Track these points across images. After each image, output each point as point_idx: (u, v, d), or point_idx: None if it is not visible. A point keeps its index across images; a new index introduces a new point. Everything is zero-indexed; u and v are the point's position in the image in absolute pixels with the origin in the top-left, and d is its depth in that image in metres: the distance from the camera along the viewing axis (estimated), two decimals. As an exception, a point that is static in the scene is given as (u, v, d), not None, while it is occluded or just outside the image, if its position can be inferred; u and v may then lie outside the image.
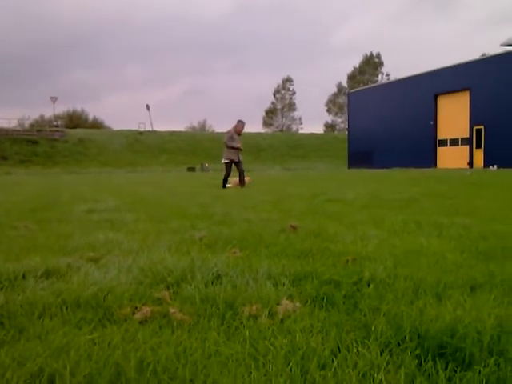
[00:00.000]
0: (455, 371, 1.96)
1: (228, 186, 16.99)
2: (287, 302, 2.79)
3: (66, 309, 2.81)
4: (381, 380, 1.88)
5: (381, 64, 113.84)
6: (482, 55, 56.98)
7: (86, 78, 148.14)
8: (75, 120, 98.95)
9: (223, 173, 17.08)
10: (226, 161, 16.84)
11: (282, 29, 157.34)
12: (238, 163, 16.82)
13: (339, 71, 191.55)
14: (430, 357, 2.07)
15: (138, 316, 2.65)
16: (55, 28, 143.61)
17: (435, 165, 49.12)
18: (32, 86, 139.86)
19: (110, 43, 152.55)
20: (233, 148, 16.72)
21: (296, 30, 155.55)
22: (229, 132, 17.02)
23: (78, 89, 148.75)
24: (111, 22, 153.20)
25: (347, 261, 3.87)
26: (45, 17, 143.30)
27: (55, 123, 79.76)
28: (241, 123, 17.09)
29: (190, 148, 73.42)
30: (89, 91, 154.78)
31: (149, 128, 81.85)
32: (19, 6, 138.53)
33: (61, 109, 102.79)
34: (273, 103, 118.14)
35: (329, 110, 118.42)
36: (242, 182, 16.82)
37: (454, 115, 47.47)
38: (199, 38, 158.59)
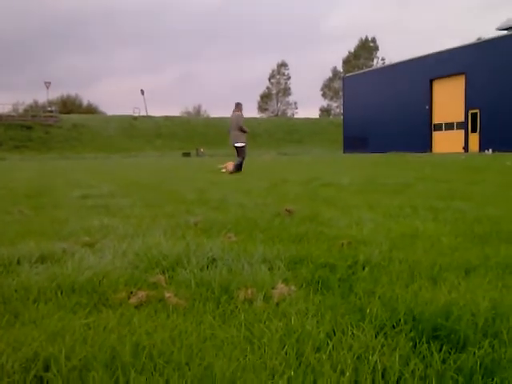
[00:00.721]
0: (449, 353, 1.97)
1: (223, 170, 16.94)
2: (282, 285, 2.79)
3: (61, 293, 2.81)
4: (376, 362, 1.88)
5: (376, 48, 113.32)
6: (478, 39, 56.79)
7: (81, 62, 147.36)
8: (69, 105, 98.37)
9: (239, 157, 16.83)
10: (243, 144, 16.77)
11: (276, 13, 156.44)
12: (245, 147, 16.85)
13: (334, 56, 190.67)
14: (424, 339, 2.07)
15: (133, 300, 2.65)
16: (49, 12, 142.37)
17: (431, 149, 49.11)
18: (26, 71, 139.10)
19: (104, 28, 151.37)
20: (245, 132, 16.74)
21: (291, 14, 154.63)
22: (239, 116, 16.88)
23: (72, 74, 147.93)
24: (106, 7, 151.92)
25: (342, 244, 3.87)
26: (38, 1, 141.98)
27: (49, 108, 79.33)
28: (241, 105, 17.14)
29: (185, 133, 73.18)
30: (83, 76, 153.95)
31: (143, 113, 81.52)
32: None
33: (55, 94, 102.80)
34: (268, 88, 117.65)
35: (324, 95, 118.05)
36: (240, 167, 16.73)
37: (449, 99, 47.37)
38: (193, 23, 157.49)
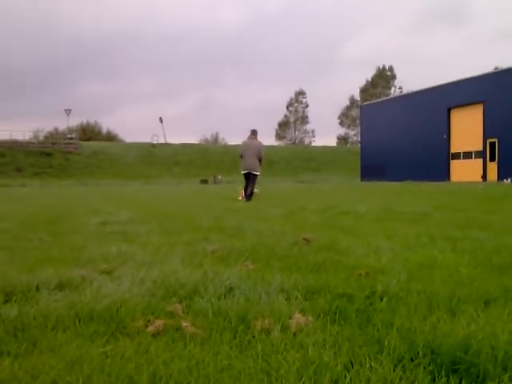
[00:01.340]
0: (469, 387, 1.95)
1: (239, 198, 16.95)
2: (299, 315, 2.78)
3: (79, 321, 2.82)
4: (394, 395, 1.86)
5: (393, 77, 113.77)
6: (495, 68, 56.76)
7: (100, 90, 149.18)
8: (89, 132, 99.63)
9: (252, 184, 16.82)
10: (259, 173, 16.85)
11: (293, 41, 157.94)
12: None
13: (352, 84, 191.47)
14: (443, 373, 2.05)
15: (150, 329, 2.65)
16: (70, 40, 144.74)
17: (448, 178, 48.87)
18: (46, 99, 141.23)
19: (123, 56, 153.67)
20: (261, 163, 16.84)
21: (308, 43, 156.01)
22: (261, 145, 16.95)
23: (92, 101, 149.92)
24: (125, 36, 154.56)
25: (360, 274, 3.85)
26: (60, 29, 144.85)
27: (69, 136, 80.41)
28: (257, 132, 17.22)
29: (203, 160, 73.64)
30: (102, 104, 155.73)
31: (162, 140, 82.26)
32: (34, 19, 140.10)
33: (75, 121, 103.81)
34: (285, 116, 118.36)
35: (341, 123, 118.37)
36: (251, 194, 16.75)
37: (467, 128, 47.25)
38: (212, 50, 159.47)
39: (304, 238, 5.81)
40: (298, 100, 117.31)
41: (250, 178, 16.81)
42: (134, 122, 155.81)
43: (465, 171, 47.39)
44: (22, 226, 8.45)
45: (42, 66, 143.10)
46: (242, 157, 17.05)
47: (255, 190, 17.11)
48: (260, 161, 16.79)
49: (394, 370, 2.09)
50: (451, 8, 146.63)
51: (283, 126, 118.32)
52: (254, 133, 17.10)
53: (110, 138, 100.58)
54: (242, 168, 17.00)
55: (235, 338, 2.55)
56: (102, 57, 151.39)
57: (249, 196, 16.60)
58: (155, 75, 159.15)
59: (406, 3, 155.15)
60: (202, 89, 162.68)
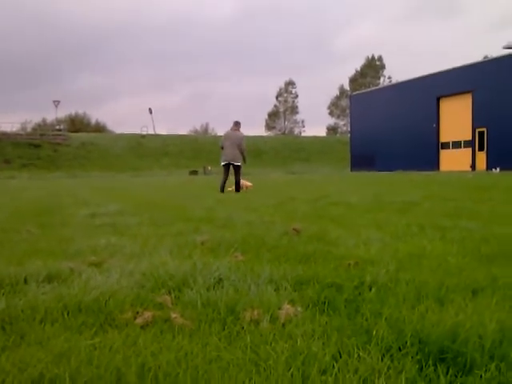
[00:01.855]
0: (456, 376, 1.96)
1: (229, 189, 16.91)
2: (288, 306, 2.78)
3: (68, 314, 2.81)
4: (382, 385, 1.87)
5: (382, 67, 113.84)
6: (485, 57, 56.92)
7: (89, 81, 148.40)
8: (77, 124, 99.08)
9: (238, 176, 16.62)
10: (240, 163, 16.60)
11: (283, 32, 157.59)
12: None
13: (341, 74, 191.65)
14: (430, 362, 2.06)
15: (139, 321, 2.65)
16: (57, 31, 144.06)
17: (438, 167, 49.07)
18: (34, 90, 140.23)
19: (113, 48, 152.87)
20: (244, 156, 16.56)
21: (298, 34, 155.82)
22: (243, 137, 16.65)
23: (81, 92, 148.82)
24: (116, 27, 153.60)
25: (349, 264, 3.86)
26: (47, 20, 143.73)
27: (58, 127, 79.96)
28: (240, 124, 17.01)
29: (193, 151, 73.45)
30: (91, 95, 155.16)
31: (151, 131, 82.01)
32: (23, 8, 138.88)
33: (63, 112, 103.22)
34: (275, 106, 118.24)
35: (331, 113, 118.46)
36: (239, 185, 16.67)
37: (456, 118, 47.41)
38: (201, 41, 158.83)
39: (294, 229, 5.81)
40: (287, 90, 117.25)
41: (231, 170, 16.60)
42: (123, 114, 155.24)
43: (454, 161, 47.60)
44: (10, 218, 8.41)
45: (30, 57, 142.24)
46: (222, 148, 16.76)
47: (248, 184, 17.03)
48: (242, 153, 16.55)
49: (381, 359, 2.10)
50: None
51: (273, 116, 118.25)
52: (236, 124, 16.78)
53: (99, 129, 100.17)
54: (222, 159, 16.67)
55: (224, 329, 2.55)
56: (92, 48, 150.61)
57: (238, 188, 16.54)
58: (145, 66, 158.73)
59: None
60: (192, 80, 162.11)
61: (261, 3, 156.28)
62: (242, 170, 16.80)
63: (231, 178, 16.64)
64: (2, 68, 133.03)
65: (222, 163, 16.66)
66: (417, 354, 2.14)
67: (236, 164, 16.42)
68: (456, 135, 47.82)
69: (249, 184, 17.13)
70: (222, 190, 16.36)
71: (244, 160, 16.55)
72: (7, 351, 2.30)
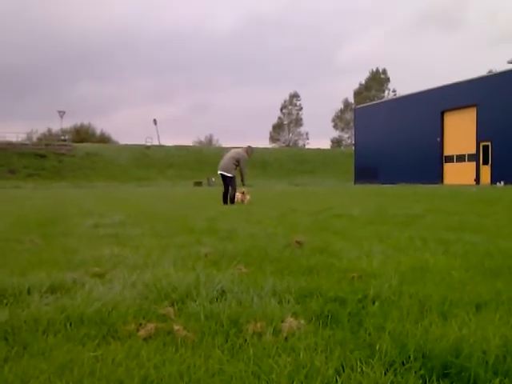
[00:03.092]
0: (460, 392, 1.95)
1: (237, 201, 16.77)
2: (292, 319, 2.78)
3: (70, 325, 2.81)
4: (385, 400, 1.86)
5: (387, 80, 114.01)
6: (489, 72, 57.00)
7: (94, 92, 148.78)
8: (82, 134, 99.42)
9: (232, 188, 16.41)
10: (232, 175, 16.50)
11: (289, 45, 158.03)
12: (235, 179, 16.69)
13: (345, 87, 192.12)
14: (434, 377, 2.05)
15: (142, 333, 2.64)
16: (64, 41, 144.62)
17: (442, 181, 48.99)
18: (39, 100, 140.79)
19: (118, 58, 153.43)
20: (241, 175, 16.50)
21: (303, 46, 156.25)
22: (244, 156, 16.45)
23: (86, 103, 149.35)
24: (121, 38, 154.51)
25: (352, 277, 3.85)
26: (53, 30, 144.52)
27: (63, 137, 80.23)
28: (251, 149, 17.10)
29: (197, 163, 73.54)
30: (96, 105, 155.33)
31: (156, 143, 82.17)
32: (26, 18, 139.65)
33: (68, 123, 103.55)
34: (280, 118, 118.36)
35: (335, 126, 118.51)
36: (233, 198, 16.60)
37: (460, 131, 47.37)
38: (207, 53, 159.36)
39: (297, 241, 5.81)
40: (292, 102, 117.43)
41: (226, 182, 16.59)
42: (128, 125, 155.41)
43: (458, 174, 47.51)
44: (14, 228, 8.42)
45: (36, 67, 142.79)
46: (221, 159, 16.92)
47: (246, 197, 16.88)
48: (237, 166, 16.30)
49: (385, 374, 2.09)
50: (446, 12, 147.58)
51: (277, 128, 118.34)
52: (247, 148, 17.00)
53: (104, 139, 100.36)
54: (218, 169, 16.79)
55: (227, 341, 2.54)
56: (96, 58, 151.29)
57: (231, 200, 16.46)
58: (150, 77, 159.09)
59: (402, 7, 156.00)
60: (196, 91, 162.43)
61: (266, 14, 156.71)
62: (246, 182, 16.68)
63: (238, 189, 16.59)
64: (6, 77, 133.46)
65: (218, 172, 16.80)
66: (420, 368, 2.13)
67: (227, 175, 16.38)
68: (460, 149, 47.77)
69: (246, 197, 16.89)
70: (225, 201, 16.35)
71: (242, 180, 16.50)
72: (10, 362, 2.30)
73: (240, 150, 16.83)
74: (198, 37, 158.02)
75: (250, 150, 16.95)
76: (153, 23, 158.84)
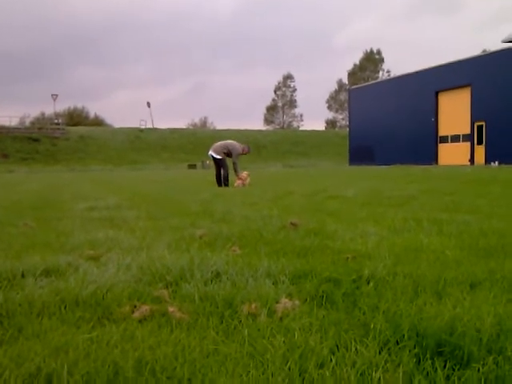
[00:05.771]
0: (453, 370, 1.96)
1: (235, 185, 16.69)
2: (286, 300, 2.78)
3: (65, 308, 2.81)
4: (379, 379, 1.87)
5: (381, 60, 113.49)
6: (483, 52, 56.84)
7: (87, 75, 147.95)
8: (76, 117, 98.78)
9: (224, 170, 16.58)
10: (221, 157, 16.55)
11: (282, 26, 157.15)
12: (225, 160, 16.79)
13: (340, 68, 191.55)
14: (428, 355, 2.06)
15: (136, 315, 2.65)
16: (57, 25, 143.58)
17: (436, 161, 49.02)
18: (32, 84, 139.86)
19: (113, 41, 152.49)
20: (235, 169, 16.55)
21: (297, 28, 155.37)
22: (236, 147, 16.69)
23: (79, 86, 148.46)
24: (114, 20, 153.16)
25: (347, 258, 3.86)
26: (46, 13, 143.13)
27: (56, 121, 79.66)
28: (248, 149, 17.23)
29: (191, 145, 73.30)
30: (90, 89, 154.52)
31: (150, 125, 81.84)
32: (20, 0, 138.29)
33: (62, 106, 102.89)
34: (274, 100, 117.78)
35: (330, 107, 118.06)
36: (226, 181, 16.61)
37: (455, 112, 47.32)
38: (199, 35, 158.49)
39: (291, 223, 5.81)
40: (285, 84, 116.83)
41: (217, 163, 16.75)
42: (122, 108, 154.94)
43: (452, 154, 47.55)
44: (8, 212, 8.39)
45: (29, 50, 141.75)
46: (213, 144, 17.29)
47: (248, 179, 16.76)
48: (225, 154, 16.65)
49: (379, 353, 2.10)
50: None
51: (271, 110, 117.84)
52: (246, 147, 17.25)
53: (98, 122, 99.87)
54: (208, 151, 17.25)
55: (222, 322, 2.55)
56: (91, 42, 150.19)
57: (225, 181, 16.47)
58: (145, 60, 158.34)
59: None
60: (191, 74, 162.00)
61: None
62: (239, 173, 16.61)
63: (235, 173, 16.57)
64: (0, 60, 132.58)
65: (208, 154, 17.19)
66: (414, 347, 2.14)
67: (216, 157, 16.54)
68: (455, 129, 47.74)
69: (247, 180, 16.74)
70: (219, 183, 16.41)
71: (235, 171, 16.55)
72: (4, 345, 2.30)
73: (236, 143, 16.92)
74: (192, 20, 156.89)
75: (246, 149, 17.11)
76: (148, 6, 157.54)
